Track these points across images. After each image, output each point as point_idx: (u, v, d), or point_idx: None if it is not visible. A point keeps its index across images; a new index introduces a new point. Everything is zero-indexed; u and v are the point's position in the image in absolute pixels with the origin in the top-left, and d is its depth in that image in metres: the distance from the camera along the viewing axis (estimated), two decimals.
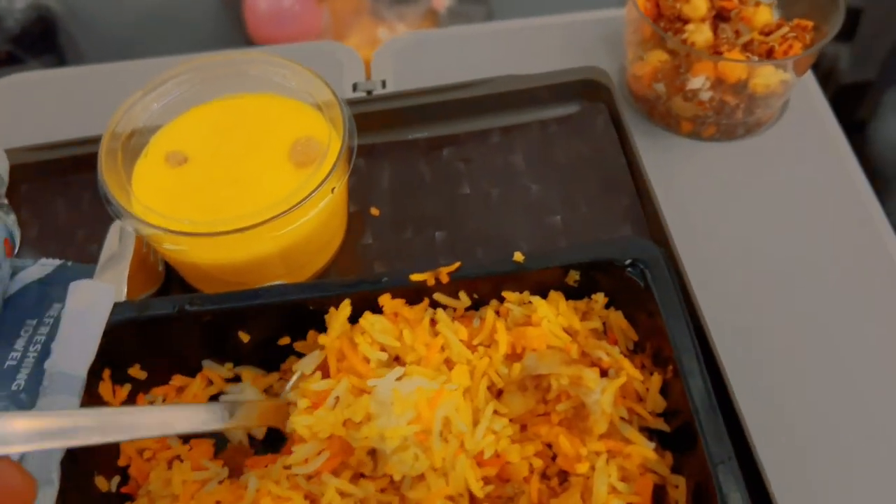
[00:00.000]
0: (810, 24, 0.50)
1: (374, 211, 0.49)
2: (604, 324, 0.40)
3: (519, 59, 0.55)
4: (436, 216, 0.48)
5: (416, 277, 0.38)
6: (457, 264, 0.38)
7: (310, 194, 0.41)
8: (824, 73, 1.39)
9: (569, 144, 0.51)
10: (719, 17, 0.52)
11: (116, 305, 0.37)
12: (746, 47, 0.50)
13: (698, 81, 0.48)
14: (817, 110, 0.53)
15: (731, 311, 0.43)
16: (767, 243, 0.46)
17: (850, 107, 1.53)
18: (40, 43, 1.23)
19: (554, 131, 0.52)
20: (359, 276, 0.38)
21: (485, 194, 0.49)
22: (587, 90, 0.52)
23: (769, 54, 0.50)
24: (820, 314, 0.44)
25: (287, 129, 0.45)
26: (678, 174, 0.49)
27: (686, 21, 0.51)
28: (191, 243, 0.41)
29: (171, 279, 0.47)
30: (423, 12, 1.21)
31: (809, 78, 0.55)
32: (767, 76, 0.48)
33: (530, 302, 0.38)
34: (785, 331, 0.43)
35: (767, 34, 0.51)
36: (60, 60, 1.25)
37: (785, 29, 0.50)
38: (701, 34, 0.50)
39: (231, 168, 0.44)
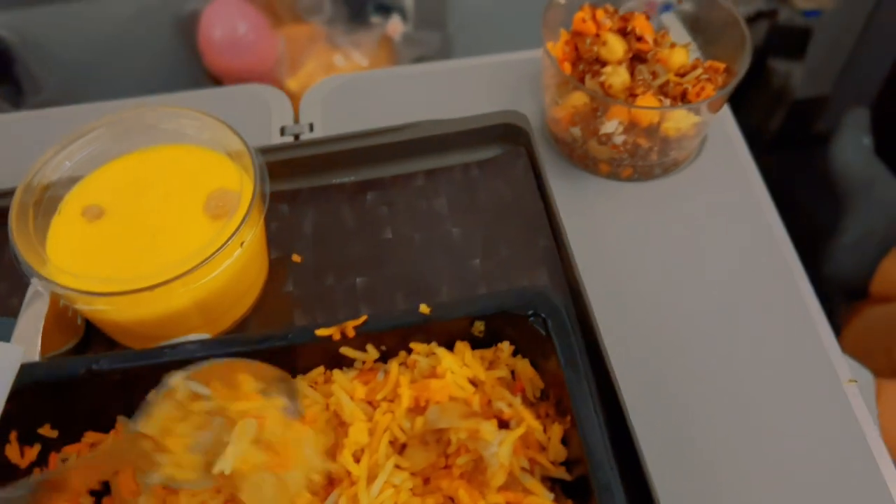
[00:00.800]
0: (722, 65, 0.52)
1: (296, 257, 0.49)
2: (513, 372, 0.40)
3: (446, 101, 0.56)
4: (358, 262, 0.49)
5: (321, 333, 0.38)
6: (363, 318, 0.38)
7: (220, 247, 0.41)
8: (778, 89, 1.42)
9: (490, 188, 0.52)
10: (636, 58, 0.53)
11: (23, 367, 0.38)
12: (662, 89, 0.51)
13: (612, 126, 0.49)
14: (734, 147, 0.54)
15: (640, 353, 0.44)
16: (680, 282, 0.47)
17: (807, 120, 1.55)
18: None
19: (476, 174, 0.53)
20: (265, 333, 0.39)
21: (407, 239, 0.50)
22: (507, 134, 0.53)
23: (684, 96, 0.51)
24: (734, 357, 0.45)
25: (202, 181, 0.45)
26: (595, 215, 0.50)
27: (604, 63, 0.52)
28: (104, 302, 0.41)
29: (91, 331, 0.47)
30: (378, 39, 1.21)
31: (726, 114, 0.56)
32: (679, 120, 0.49)
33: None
34: (697, 376, 0.44)
35: (683, 75, 0.52)
36: (18, 90, 1.25)
37: (699, 70, 0.52)
38: (618, 76, 0.51)
39: (147, 221, 0.45)
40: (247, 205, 0.43)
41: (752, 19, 1.33)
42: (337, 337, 0.38)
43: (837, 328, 1.17)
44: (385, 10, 1.21)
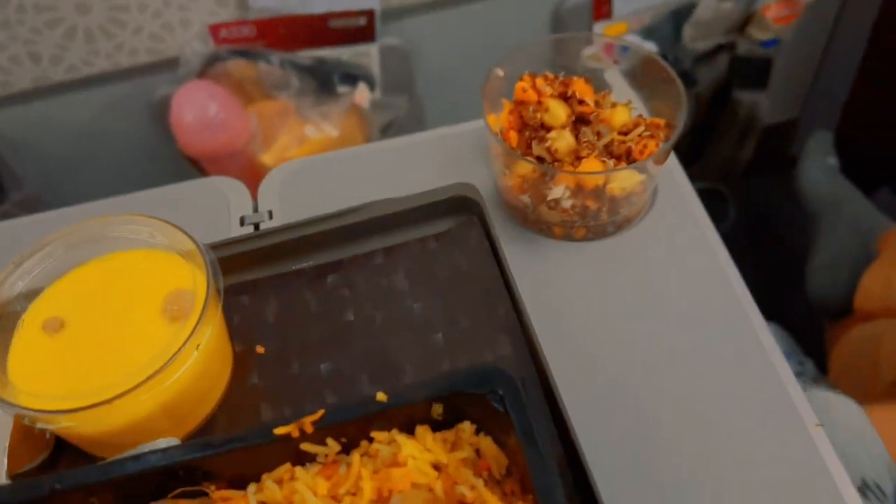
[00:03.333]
0: (662, 121, 0.53)
1: (260, 349, 0.50)
2: (477, 450, 0.40)
3: (401, 177, 0.57)
4: (322, 347, 0.49)
5: (279, 431, 0.38)
6: (320, 412, 0.39)
7: (176, 352, 0.42)
8: (745, 118, 1.44)
9: (447, 260, 0.52)
10: (580, 121, 0.54)
11: None
12: (608, 148, 0.53)
13: (559, 191, 0.50)
14: (684, 197, 0.55)
15: (604, 412, 0.44)
16: (639, 337, 0.48)
17: (778, 145, 1.57)
18: None
19: (433, 248, 0.53)
20: (224, 436, 0.39)
21: (370, 319, 0.50)
22: (459, 206, 0.54)
23: (629, 154, 0.52)
24: (698, 410, 0.45)
25: (158, 284, 0.46)
26: (553, 277, 0.51)
27: (549, 129, 0.53)
28: (67, 419, 0.41)
29: (62, 442, 0.47)
30: (347, 108, 1.24)
31: (674, 165, 0.57)
32: (623, 180, 0.50)
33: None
34: (662, 432, 0.44)
35: (626, 133, 0.53)
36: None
37: (641, 128, 0.53)
38: (563, 140, 0.52)
39: (108, 330, 0.45)
40: (201, 305, 0.43)
41: (712, 53, 1.36)
42: (296, 434, 0.38)
43: (824, 349, 1.17)
44: (352, 80, 1.23)
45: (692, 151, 1.47)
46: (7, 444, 0.43)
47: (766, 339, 0.47)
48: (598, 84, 0.58)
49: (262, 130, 1.27)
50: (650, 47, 1.29)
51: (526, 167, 0.51)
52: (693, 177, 1.50)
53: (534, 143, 0.53)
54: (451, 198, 0.53)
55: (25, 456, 0.45)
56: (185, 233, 0.46)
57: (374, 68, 1.28)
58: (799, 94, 1.53)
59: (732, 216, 1.47)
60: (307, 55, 1.22)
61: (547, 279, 0.51)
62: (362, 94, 1.21)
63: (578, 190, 0.50)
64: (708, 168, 1.50)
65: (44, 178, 1.32)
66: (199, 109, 1.19)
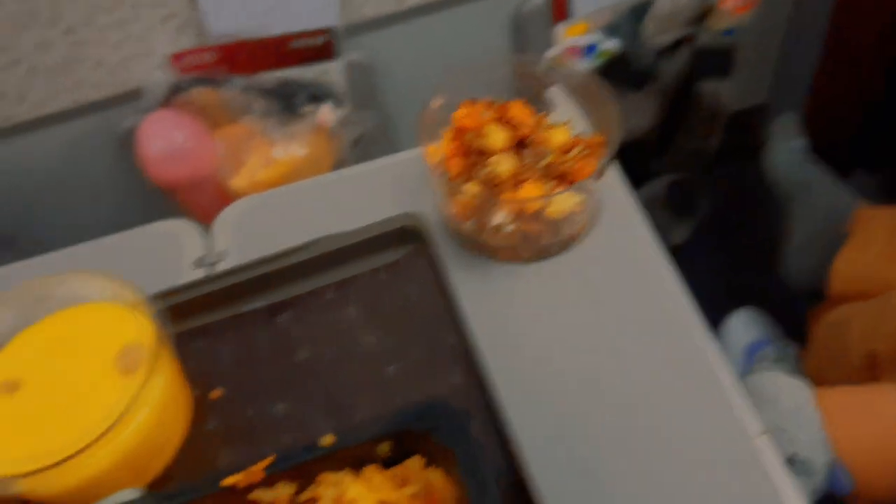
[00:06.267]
0: (600, 139, 0.54)
1: (216, 393, 0.50)
2: (429, 485, 0.41)
3: (350, 208, 0.57)
4: (276, 389, 0.50)
5: (228, 482, 0.39)
6: (268, 460, 0.39)
7: (127, 407, 0.42)
8: (711, 108, 1.45)
9: (397, 291, 0.53)
10: (520, 143, 0.55)
11: None
12: (548, 169, 0.53)
13: (500, 217, 0.51)
14: (627, 212, 0.56)
15: (556, 431, 0.45)
16: (588, 356, 0.49)
17: (747, 132, 1.58)
18: None
19: (383, 279, 0.54)
20: (173, 490, 0.40)
21: (321, 356, 0.51)
22: (405, 236, 0.55)
23: (567, 175, 0.52)
24: (649, 426, 0.46)
25: (109, 338, 0.47)
26: (502, 301, 0.52)
27: (490, 153, 0.54)
28: (25, 483, 0.42)
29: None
30: (313, 127, 1.24)
31: (615, 180, 0.58)
32: (562, 202, 0.51)
33: None
34: (614, 451, 0.44)
35: (567, 152, 0.54)
36: None
37: (579, 147, 0.53)
38: (504, 164, 0.53)
39: (64, 387, 0.46)
40: (151, 357, 0.44)
41: (674, 46, 1.37)
42: (243, 483, 0.39)
43: (803, 335, 1.18)
44: (316, 99, 1.24)
45: (660, 144, 1.48)
46: None
47: (709, 350, 0.48)
48: (541, 105, 0.58)
49: (229, 155, 1.28)
50: (613, 45, 1.30)
51: (466, 195, 0.52)
52: (662, 169, 1.51)
53: (477, 168, 0.54)
54: (397, 229, 0.54)
55: None
56: (130, 286, 0.46)
57: (340, 85, 1.28)
58: (764, 78, 1.54)
59: (705, 206, 1.48)
60: (271, 77, 1.23)
61: (495, 303, 0.52)
62: (325, 114, 1.22)
63: (519, 215, 0.51)
64: (677, 159, 1.51)
65: (13, 218, 1.32)
66: (165, 140, 1.20)
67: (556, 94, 0.61)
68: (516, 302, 0.51)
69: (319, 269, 0.55)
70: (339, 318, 0.53)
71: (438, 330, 0.51)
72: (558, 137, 0.54)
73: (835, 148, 1.38)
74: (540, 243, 0.53)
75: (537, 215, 0.51)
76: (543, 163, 0.53)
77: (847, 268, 1.16)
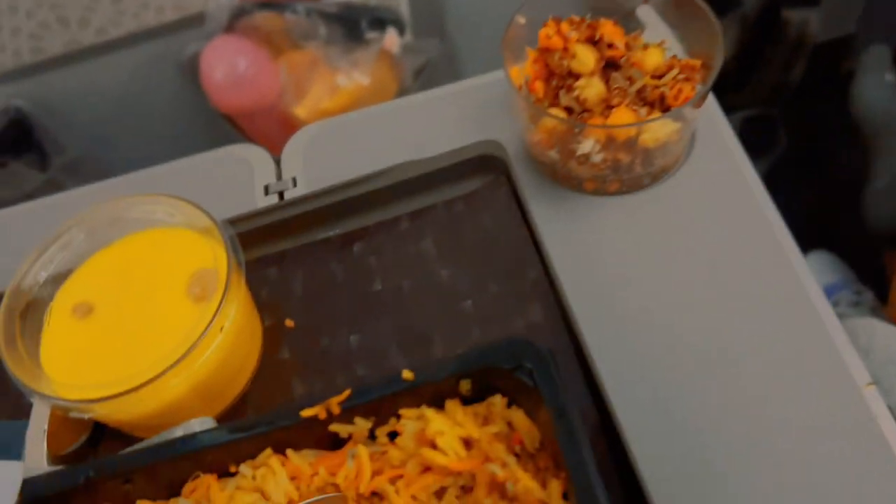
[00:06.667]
0: (697, 62, 0.49)
1: (289, 322, 0.49)
2: (510, 423, 0.39)
3: (425, 135, 0.54)
4: (350, 319, 0.49)
5: (306, 413, 0.38)
6: (346, 393, 0.38)
7: (202, 334, 0.41)
8: (796, 39, 1.36)
9: (475, 222, 0.51)
10: (610, 66, 0.51)
11: (24, 483, 0.38)
12: (640, 94, 0.49)
13: (587, 145, 0.48)
14: (725, 142, 0.52)
15: (640, 373, 0.43)
16: (678, 294, 0.45)
17: (832, 64, 1.49)
18: (19, 144, 1.26)
19: (460, 210, 0.51)
20: (251, 419, 0.38)
21: (397, 288, 0.49)
22: (485, 165, 0.52)
23: (662, 100, 0.49)
24: (742, 370, 0.43)
25: (181, 264, 0.46)
26: (586, 235, 0.49)
27: (578, 76, 0.50)
28: (99, 407, 0.41)
29: (102, 425, 0.47)
30: (377, 55, 1.21)
31: (713, 108, 0.54)
32: (657, 130, 0.47)
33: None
34: (704, 395, 0.42)
35: (661, 76, 0.50)
36: (42, 155, 1.28)
37: (675, 71, 0.49)
38: (592, 88, 0.49)
39: (135, 312, 0.45)
40: (223, 285, 0.43)
41: None
42: (323, 415, 0.38)
43: (884, 278, 1.12)
44: (380, 24, 1.20)
45: (739, 77, 1.40)
46: (46, 428, 0.43)
47: (809, 284, 0.45)
48: (631, 24, 0.54)
49: (293, 83, 1.25)
50: None
51: (551, 121, 0.49)
52: (741, 104, 1.43)
53: (562, 93, 0.50)
54: (476, 157, 0.51)
55: (66, 439, 0.46)
56: (203, 210, 0.45)
57: (403, 11, 1.24)
58: (855, 6, 1.44)
59: (784, 142, 1.41)
60: (334, 2, 1.19)
61: (580, 237, 0.49)
62: (392, 40, 1.18)
63: (609, 143, 0.48)
64: (757, 93, 1.43)
65: (84, 141, 1.33)
66: (228, 66, 1.18)
67: (648, 13, 0.56)
68: (603, 237, 0.48)
69: (394, 198, 0.52)
70: (414, 250, 0.50)
71: (518, 265, 0.49)
72: (652, 59, 0.50)
73: None
74: (631, 174, 0.49)
75: (629, 144, 0.47)
76: (635, 87, 0.49)
77: None
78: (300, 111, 1.26)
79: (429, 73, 1.25)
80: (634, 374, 0.43)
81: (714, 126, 0.53)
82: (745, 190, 0.49)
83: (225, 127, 1.27)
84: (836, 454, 0.39)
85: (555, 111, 0.49)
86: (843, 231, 1.22)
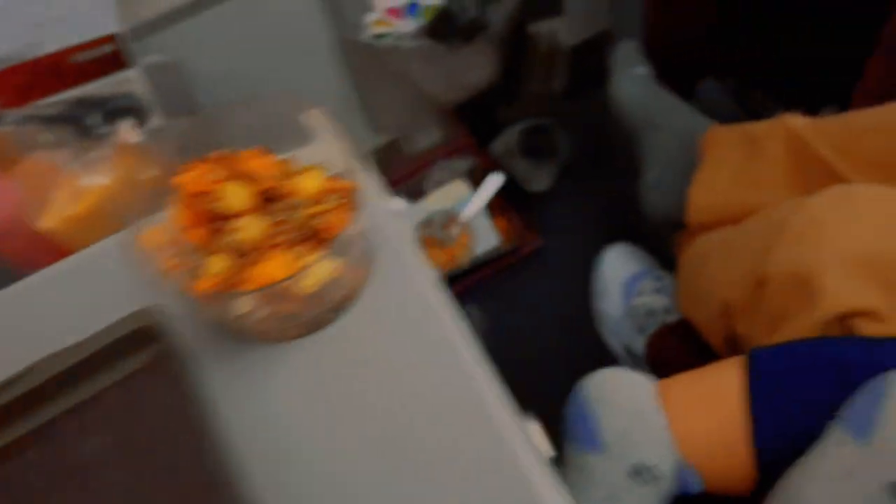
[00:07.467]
0: (349, 183, 0.45)
1: None
2: None
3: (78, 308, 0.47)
4: None
5: None
6: None
7: None
8: (549, 48, 1.38)
9: (140, 411, 0.44)
10: (270, 198, 0.46)
11: None
12: (305, 225, 0.45)
13: (245, 304, 0.42)
14: (404, 254, 0.48)
15: None
16: (378, 422, 0.41)
17: (592, 62, 1.52)
18: None
19: (121, 398, 0.45)
20: None
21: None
22: (145, 338, 0.45)
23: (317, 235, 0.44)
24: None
25: None
26: (267, 392, 0.43)
27: (236, 215, 0.45)
28: None
29: None
30: (116, 148, 1.11)
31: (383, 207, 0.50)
32: (317, 273, 0.42)
33: None
34: None
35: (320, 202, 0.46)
36: None
37: (336, 196, 0.45)
38: (253, 228, 0.44)
39: None
40: None
41: None
42: None
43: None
44: (114, 116, 1.11)
45: (505, 93, 1.41)
46: None
47: (491, 401, 0.42)
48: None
49: (32, 194, 1.14)
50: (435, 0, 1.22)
51: (212, 271, 0.43)
52: (515, 117, 1.42)
53: (218, 238, 0.45)
54: (131, 333, 0.45)
55: None
56: None
57: (145, 96, 1.15)
58: (600, 6, 1.48)
59: (566, 146, 1.42)
60: (53, 102, 1.09)
61: (264, 391, 0.43)
62: (126, 133, 1.09)
63: (269, 297, 0.43)
64: (528, 105, 1.45)
65: None
66: None
67: (314, 118, 0.52)
68: (281, 389, 0.43)
69: (45, 398, 0.45)
70: (74, 459, 0.43)
71: (190, 458, 0.42)
72: (310, 184, 0.46)
73: (680, 69, 1.33)
74: (308, 316, 0.45)
75: (287, 294, 0.42)
76: (298, 217, 0.45)
77: (701, 194, 1.10)
78: (47, 222, 1.14)
79: (195, 146, 1.17)
80: None
81: (395, 240, 0.49)
82: (427, 300, 0.46)
83: None
84: None
85: (215, 259, 0.44)
86: (638, 222, 1.25)
